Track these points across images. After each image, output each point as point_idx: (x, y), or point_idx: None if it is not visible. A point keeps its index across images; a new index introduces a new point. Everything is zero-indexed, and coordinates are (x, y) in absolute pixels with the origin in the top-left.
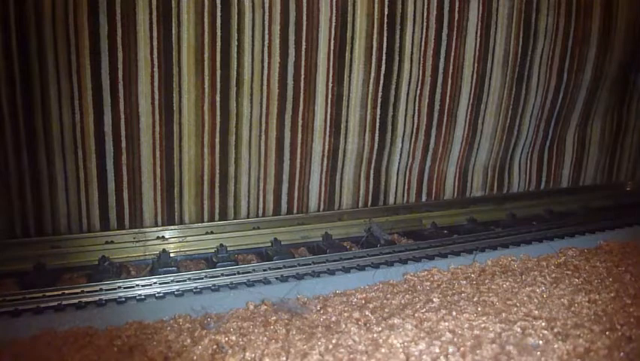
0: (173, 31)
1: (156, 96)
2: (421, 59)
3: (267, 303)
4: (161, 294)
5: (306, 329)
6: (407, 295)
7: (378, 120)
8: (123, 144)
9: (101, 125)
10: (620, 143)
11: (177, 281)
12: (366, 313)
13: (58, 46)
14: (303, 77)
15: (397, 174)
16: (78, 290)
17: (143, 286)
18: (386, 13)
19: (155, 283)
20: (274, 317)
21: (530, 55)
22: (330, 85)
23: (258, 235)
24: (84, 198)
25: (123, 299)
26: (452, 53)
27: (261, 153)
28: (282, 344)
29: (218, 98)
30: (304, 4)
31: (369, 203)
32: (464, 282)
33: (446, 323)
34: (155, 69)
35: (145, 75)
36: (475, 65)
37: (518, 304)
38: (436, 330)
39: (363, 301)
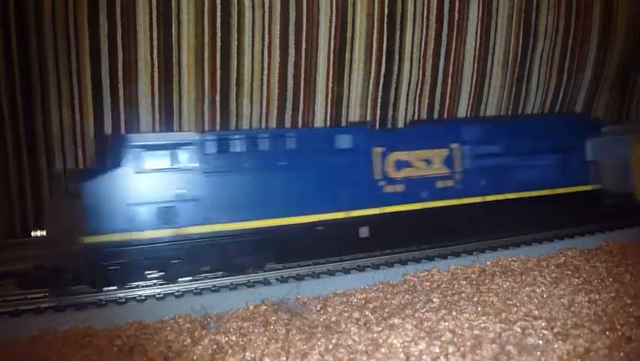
0: (173, 31)
1: (156, 96)
2: (421, 59)
3: (267, 303)
4: (161, 295)
5: (306, 329)
6: (407, 296)
7: (378, 120)
8: None
9: (101, 125)
10: None
11: (177, 282)
12: (366, 313)
13: (58, 46)
14: (303, 77)
15: None
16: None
17: (143, 286)
18: (386, 13)
19: (155, 283)
20: (274, 317)
21: (530, 55)
22: (330, 85)
23: None
24: None
25: (124, 300)
26: (452, 53)
27: None
28: (282, 344)
29: (218, 98)
30: (304, 4)
31: None
32: (464, 282)
33: (446, 323)
34: (155, 69)
35: (145, 75)
36: (475, 65)
37: (518, 304)
38: (436, 330)
39: (363, 302)
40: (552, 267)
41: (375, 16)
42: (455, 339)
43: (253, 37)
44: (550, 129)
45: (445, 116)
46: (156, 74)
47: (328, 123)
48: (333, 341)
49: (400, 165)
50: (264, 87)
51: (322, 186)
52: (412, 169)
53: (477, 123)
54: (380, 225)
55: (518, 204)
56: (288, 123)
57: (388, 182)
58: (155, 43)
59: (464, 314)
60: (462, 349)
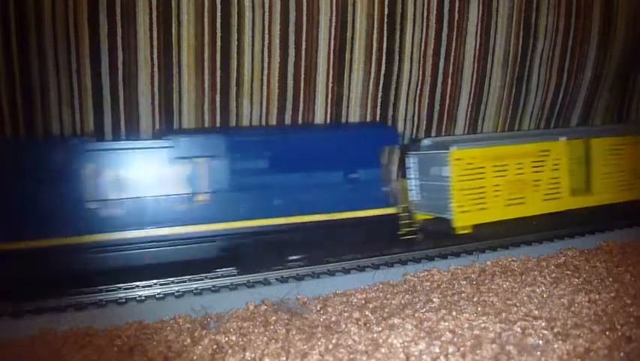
0: (173, 31)
1: (156, 96)
2: (421, 59)
3: (267, 303)
4: (161, 295)
5: (306, 329)
6: (407, 296)
7: (378, 120)
8: None
9: (101, 125)
10: None
11: (177, 282)
12: (366, 313)
13: (58, 46)
14: (303, 77)
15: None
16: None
17: (143, 287)
18: (386, 13)
19: (155, 283)
20: (274, 317)
21: (530, 55)
22: (330, 85)
23: None
24: None
25: (124, 300)
26: (452, 53)
27: None
28: (282, 344)
29: (218, 98)
30: (304, 4)
31: None
32: (464, 282)
33: (446, 323)
34: (155, 69)
35: (145, 75)
36: (475, 65)
37: (518, 304)
38: (436, 330)
39: (363, 302)
40: (552, 267)
41: (375, 16)
42: (455, 339)
43: (253, 37)
44: (335, 143)
45: (445, 117)
46: (156, 74)
47: (328, 123)
48: (333, 341)
49: (122, 184)
50: (264, 87)
51: None
52: (139, 189)
53: (235, 134)
54: (84, 256)
55: (286, 231)
56: (288, 123)
57: (102, 204)
58: (155, 43)
59: (464, 314)
60: (462, 349)
